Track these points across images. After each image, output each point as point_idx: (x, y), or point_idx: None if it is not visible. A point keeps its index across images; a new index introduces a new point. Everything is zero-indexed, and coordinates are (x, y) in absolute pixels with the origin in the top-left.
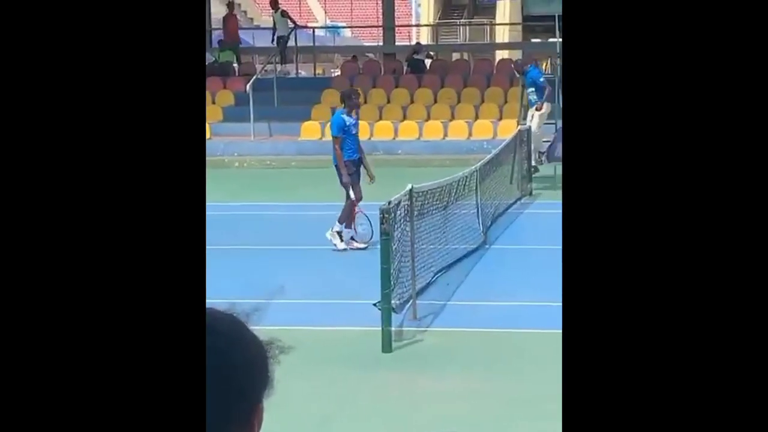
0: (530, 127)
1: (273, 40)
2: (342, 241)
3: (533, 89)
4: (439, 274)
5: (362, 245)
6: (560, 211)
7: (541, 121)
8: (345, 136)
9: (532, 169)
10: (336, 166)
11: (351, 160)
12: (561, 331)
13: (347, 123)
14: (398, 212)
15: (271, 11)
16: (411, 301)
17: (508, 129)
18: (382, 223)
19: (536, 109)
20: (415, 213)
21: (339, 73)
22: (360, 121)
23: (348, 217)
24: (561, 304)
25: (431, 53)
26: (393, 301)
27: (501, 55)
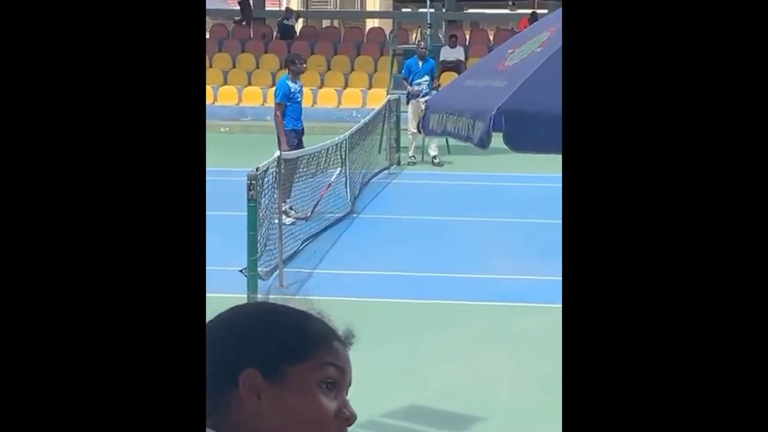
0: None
1: None
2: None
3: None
4: (307, 242)
5: (302, 216)
6: (427, 181)
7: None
8: (289, 104)
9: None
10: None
11: (293, 130)
12: (423, 300)
13: (292, 90)
14: (266, 179)
15: None
16: (278, 268)
17: (378, 98)
18: (249, 190)
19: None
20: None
21: (207, 36)
22: (229, 86)
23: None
24: (424, 273)
25: (301, 16)
26: (260, 269)
27: (371, 23)
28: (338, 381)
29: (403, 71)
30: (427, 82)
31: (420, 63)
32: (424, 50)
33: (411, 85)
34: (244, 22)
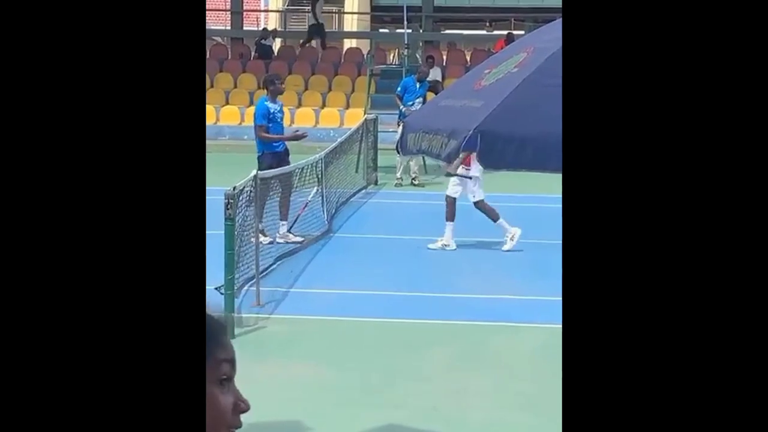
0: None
1: None
2: (294, 235)
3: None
4: (283, 261)
5: (299, 239)
6: (404, 201)
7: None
8: (270, 125)
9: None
10: (261, 156)
11: (273, 152)
12: (399, 319)
13: (271, 110)
14: (242, 198)
15: None
16: (250, 286)
17: (355, 118)
18: (227, 209)
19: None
20: (261, 200)
21: None
22: (207, 106)
23: (287, 210)
24: (400, 293)
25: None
26: (239, 287)
27: (349, 44)
28: (230, 375)
29: (398, 88)
30: (421, 104)
31: (417, 85)
32: (425, 73)
33: (404, 104)
34: (311, 44)
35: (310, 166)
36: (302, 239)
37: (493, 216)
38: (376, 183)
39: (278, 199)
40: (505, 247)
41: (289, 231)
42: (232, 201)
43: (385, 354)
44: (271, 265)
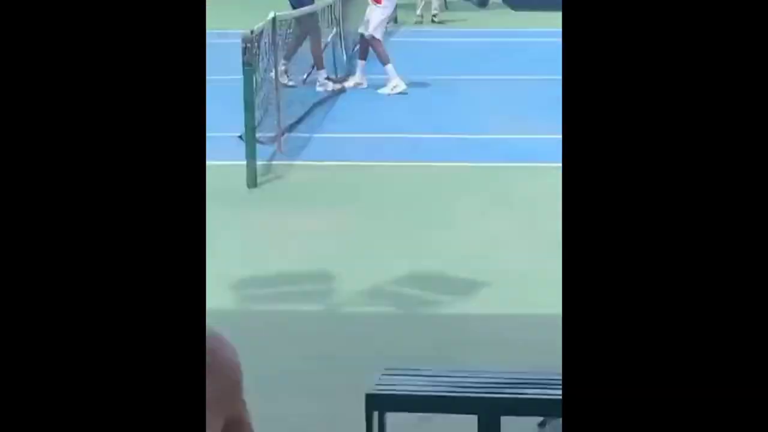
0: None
1: None
2: (333, 82)
3: None
4: (306, 106)
5: (339, 86)
6: (425, 39)
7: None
8: None
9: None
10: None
11: None
12: (425, 162)
13: None
14: (262, 42)
15: None
16: (278, 134)
17: None
18: (244, 54)
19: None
20: (279, 43)
21: None
22: None
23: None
24: (426, 135)
25: None
26: (262, 134)
27: None
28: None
29: None
30: None
31: None
32: None
33: None
34: None
35: (327, 8)
36: (342, 85)
37: (384, 59)
38: (395, 21)
39: (306, 45)
40: (383, 91)
41: (327, 78)
42: (249, 45)
43: (412, 200)
44: (308, 113)
